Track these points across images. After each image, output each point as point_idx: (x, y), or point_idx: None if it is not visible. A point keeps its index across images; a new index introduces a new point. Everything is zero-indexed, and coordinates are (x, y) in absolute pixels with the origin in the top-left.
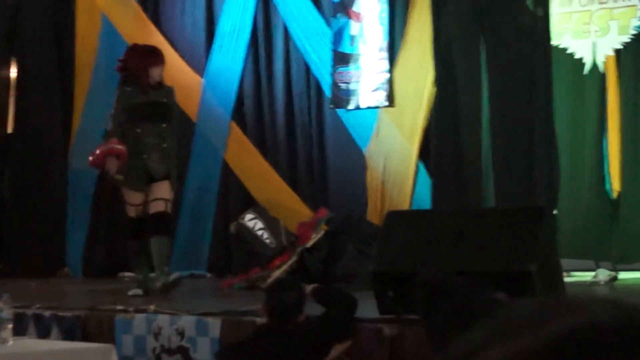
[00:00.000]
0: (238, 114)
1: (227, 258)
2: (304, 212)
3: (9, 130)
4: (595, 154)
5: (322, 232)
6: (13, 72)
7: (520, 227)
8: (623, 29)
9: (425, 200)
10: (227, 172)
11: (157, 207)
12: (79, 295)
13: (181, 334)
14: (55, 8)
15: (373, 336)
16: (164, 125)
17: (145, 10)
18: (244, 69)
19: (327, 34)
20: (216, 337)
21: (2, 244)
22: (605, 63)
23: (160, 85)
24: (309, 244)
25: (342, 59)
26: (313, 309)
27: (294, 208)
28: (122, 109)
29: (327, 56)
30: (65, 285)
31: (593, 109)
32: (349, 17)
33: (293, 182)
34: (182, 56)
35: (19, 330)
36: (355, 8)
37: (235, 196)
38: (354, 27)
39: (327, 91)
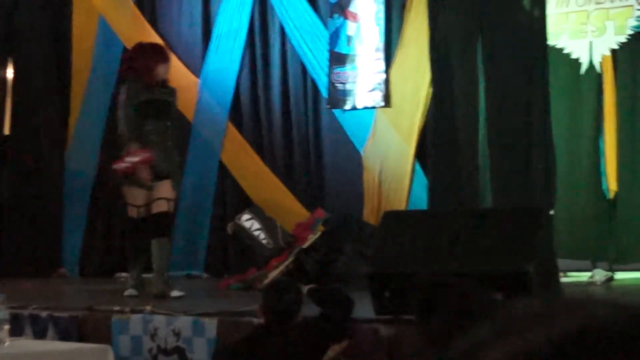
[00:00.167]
0: (234, 114)
1: (223, 258)
2: (300, 212)
3: (6, 131)
4: (592, 154)
5: (319, 233)
6: (10, 72)
7: (517, 228)
8: (620, 29)
9: (422, 201)
10: (224, 173)
11: (159, 207)
12: (76, 296)
13: (177, 334)
14: (52, 8)
15: (370, 337)
16: (168, 123)
17: (142, 11)
18: (240, 70)
19: (324, 34)
20: (212, 338)
21: (0, 244)
22: (602, 63)
23: (164, 83)
24: (306, 244)
25: (338, 59)
26: (310, 310)
27: (290, 208)
28: (130, 108)
29: (324, 56)
30: (62, 286)
31: (590, 109)
32: (346, 18)
33: (289, 183)
34: (179, 57)
35: (15, 331)
36: (351, 8)
37: (231, 196)
38: (350, 28)
39: (324, 91)
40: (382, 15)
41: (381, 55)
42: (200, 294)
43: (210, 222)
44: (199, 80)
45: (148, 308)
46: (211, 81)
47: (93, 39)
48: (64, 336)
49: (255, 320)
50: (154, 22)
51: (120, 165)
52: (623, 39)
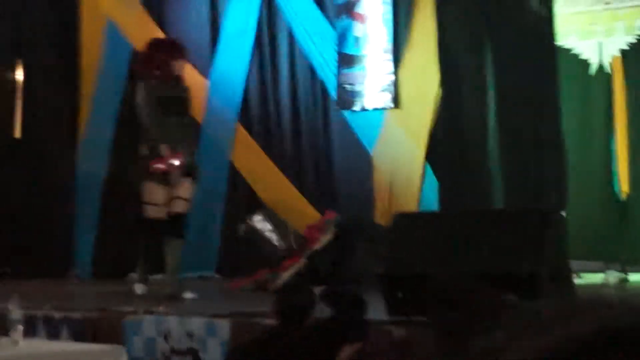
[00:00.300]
0: (244, 115)
1: (235, 259)
2: (310, 213)
3: (17, 134)
4: (603, 155)
5: (331, 235)
6: (19, 75)
7: (529, 229)
8: (629, 29)
9: (432, 202)
10: (234, 174)
11: (177, 207)
12: (89, 297)
13: (191, 335)
14: (60, 11)
15: (382, 338)
16: (185, 120)
17: (150, 12)
18: (249, 71)
19: (332, 35)
20: (225, 339)
21: (12, 246)
22: (611, 64)
23: (179, 79)
24: (318, 246)
25: (346, 60)
26: (322, 311)
27: (300, 209)
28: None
29: (332, 57)
30: (75, 287)
31: (600, 110)
32: (353, 19)
33: (299, 184)
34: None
35: (29, 332)
36: (358, 9)
37: (242, 197)
38: (358, 29)
39: (333, 92)
40: (389, 16)
41: (389, 56)
42: (213, 295)
43: (222, 223)
44: (207, 82)
45: (161, 309)
46: (220, 82)
47: (101, 41)
48: (77, 337)
49: (268, 322)
50: (161, 24)
51: (160, 167)
52: (632, 39)
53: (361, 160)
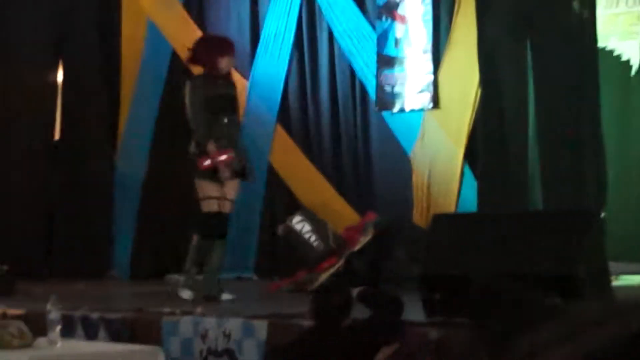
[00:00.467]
0: (283, 116)
1: (273, 260)
2: (349, 214)
3: (57, 136)
4: None
5: (370, 236)
6: (60, 76)
7: (568, 230)
8: None
9: (471, 203)
10: (273, 174)
11: (225, 207)
12: (127, 297)
13: (228, 336)
14: (100, 13)
15: (419, 339)
16: (234, 118)
17: (190, 13)
18: (288, 72)
19: (372, 36)
20: (262, 340)
21: (52, 247)
22: None
23: (228, 77)
24: (357, 247)
25: (386, 61)
26: (360, 312)
27: (339, 210)
28: (200, 102)
29: (372, 59)
30: (113, 288)
31: None
32: (394, 20)
33: (338, 185)
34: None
35: (67, 332)
36: (400, 10)
37: (280, 198)
38: (398, 30)
39: (372, 94)
40: (429, 17)
41: (429, 56)
42: (251, 296)
43: (260, 224)
44: (247, 83)
45: (198, 310)
46: (260, 83)
47: (142, 42)
48: (115, 337)
49: (306, 323)
50: (201, 25)
51: (207, 164)
52: None
53: (400, 161)
